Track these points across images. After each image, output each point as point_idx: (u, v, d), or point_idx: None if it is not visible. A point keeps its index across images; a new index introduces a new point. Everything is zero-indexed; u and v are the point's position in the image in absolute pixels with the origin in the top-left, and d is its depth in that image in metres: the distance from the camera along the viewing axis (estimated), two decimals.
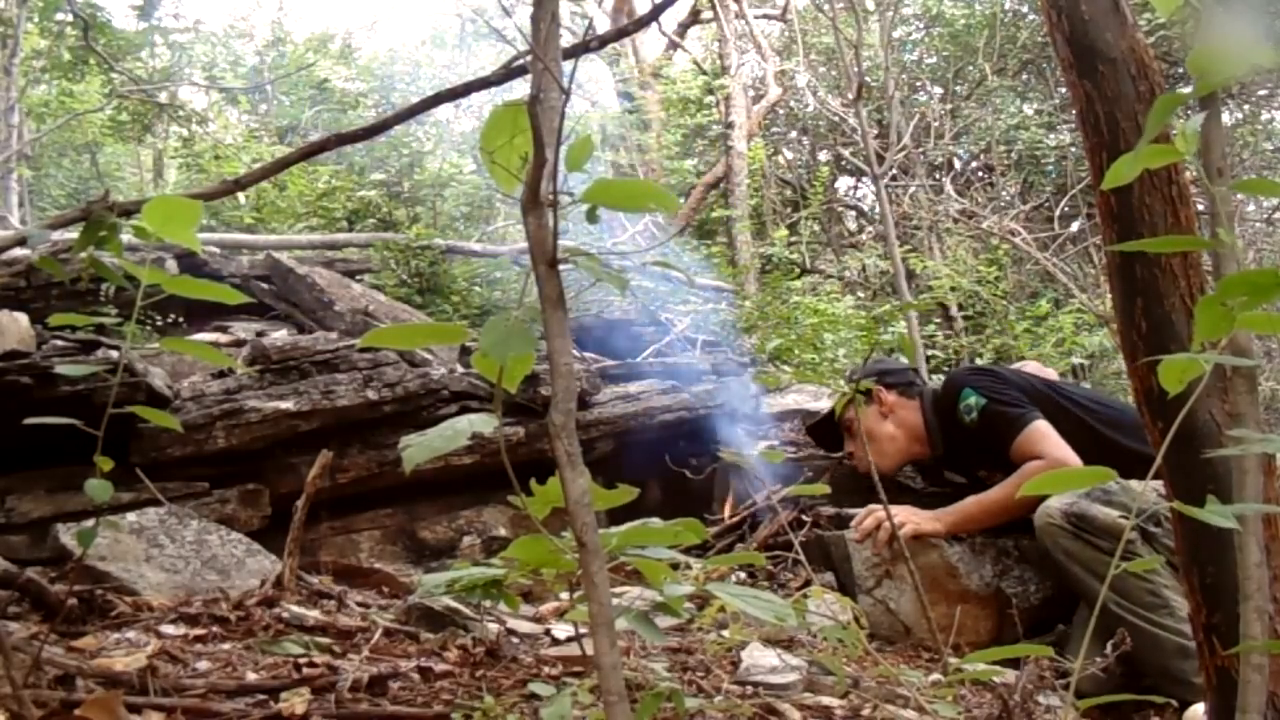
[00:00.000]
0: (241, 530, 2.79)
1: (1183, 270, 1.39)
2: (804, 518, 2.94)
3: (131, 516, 2.52)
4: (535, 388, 3.31)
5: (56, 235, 3.12)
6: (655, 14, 5.23)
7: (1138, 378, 1.43)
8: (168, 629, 1.89)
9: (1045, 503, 2.39)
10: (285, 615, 2.00)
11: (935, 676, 2.11)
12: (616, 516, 2.35)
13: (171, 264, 4.68)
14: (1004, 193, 9.80)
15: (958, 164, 10.38)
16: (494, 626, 2.12)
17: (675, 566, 1.98)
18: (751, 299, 6.73)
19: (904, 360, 3.33)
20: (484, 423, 1.14)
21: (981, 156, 10.22)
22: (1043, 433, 2.61)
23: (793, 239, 9.23)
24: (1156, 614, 2.31)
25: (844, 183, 11.18)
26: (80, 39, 8.08)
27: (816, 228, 9.83)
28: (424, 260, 6.24)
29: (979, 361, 6.85)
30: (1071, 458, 2.55)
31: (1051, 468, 2.52)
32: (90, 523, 1.52)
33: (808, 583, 2.54)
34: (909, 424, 2.88)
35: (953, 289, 7.65)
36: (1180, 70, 7.92)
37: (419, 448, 1.12)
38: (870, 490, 2.86)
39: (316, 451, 2.36)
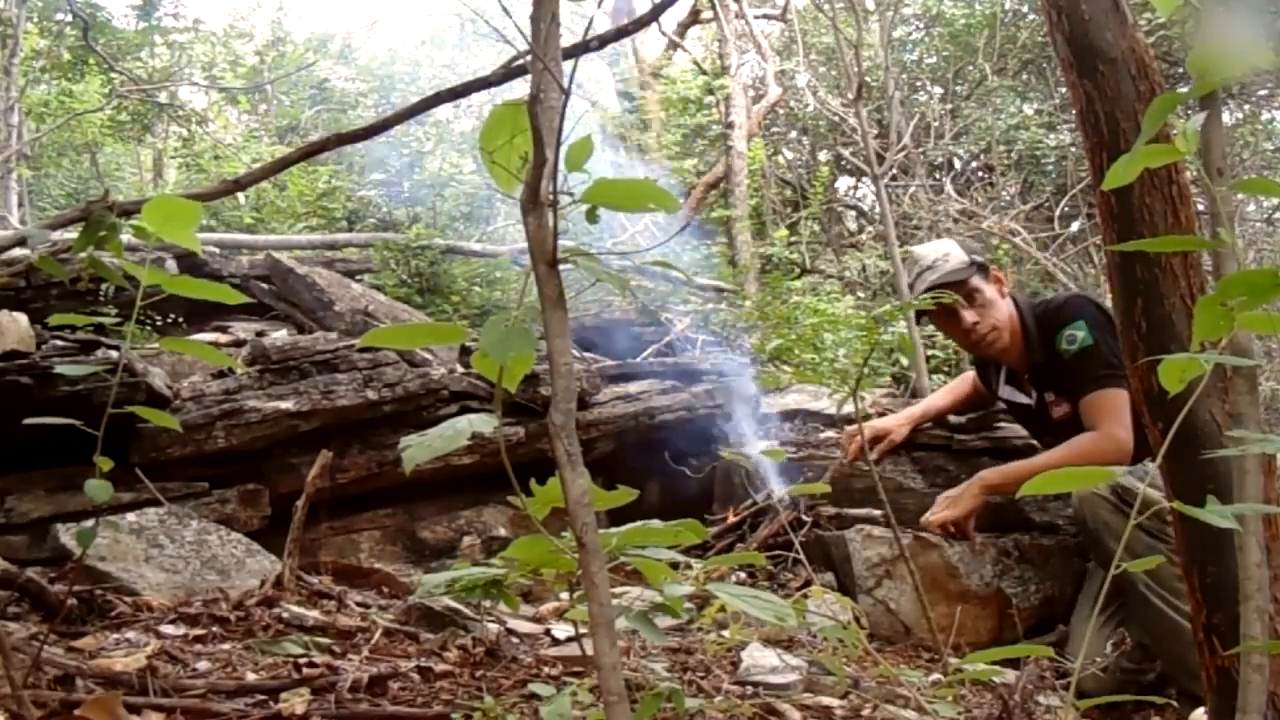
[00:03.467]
0: (241, 530, 2.79)
1: (1183, 270, 1.39)
2: (804, 518, 2.94)
3: (131, 516, 2.52)
4: (535, 388, 3.31)
5: (56, 235, 3.12)
6: (655, 14, 5.23)
7: (1138, 378, 1.43)
8: (168, 629, 1.90)
9: None
10: (285, 615, 2.00)
11: (935, 676, 2.11)
12: (616, 517, 2.35)
13: (171, 264, 4.68)
14: (1004, 193, 9.80)
15: (958, 164, 10.37)
16: (494, 626, 2.13)
17: (675, 566, 1.98)
18: (752, 299, 6.73)
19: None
20: (484, 423, 1.14)
21: (981, 156, 10.22)
22: (1117, 404, 2.53)
23: (793, 239, 9.22)
24: (1183, 601, 2.30)
25: (844, 183, 11.17)
26: (80, 39, 8.08)
27: (816, 228, 9.82)
28: (424, 260, 6.24)
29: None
30: (1126, 438, 2.51)
31: (1100, 444, 2.50)
32: (90, 523, 1.52)
33: (808, 583, 2.54)
34: (1011, 315, 2.79)
35: None
36: (1180, 70, 7.91)
37: (419, 448, 1.12)
38: (865, 491, 2.86)
39: (316, 451, 2.36)
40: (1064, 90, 7.51)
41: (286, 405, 3.07)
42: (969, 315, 2.74)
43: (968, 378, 3.24)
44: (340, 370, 3.23)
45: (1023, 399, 2.87)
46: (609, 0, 10.51)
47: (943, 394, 3.25)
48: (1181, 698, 2.22)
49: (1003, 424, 3.19)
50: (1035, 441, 3.05)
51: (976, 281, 2.74)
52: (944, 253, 2.78)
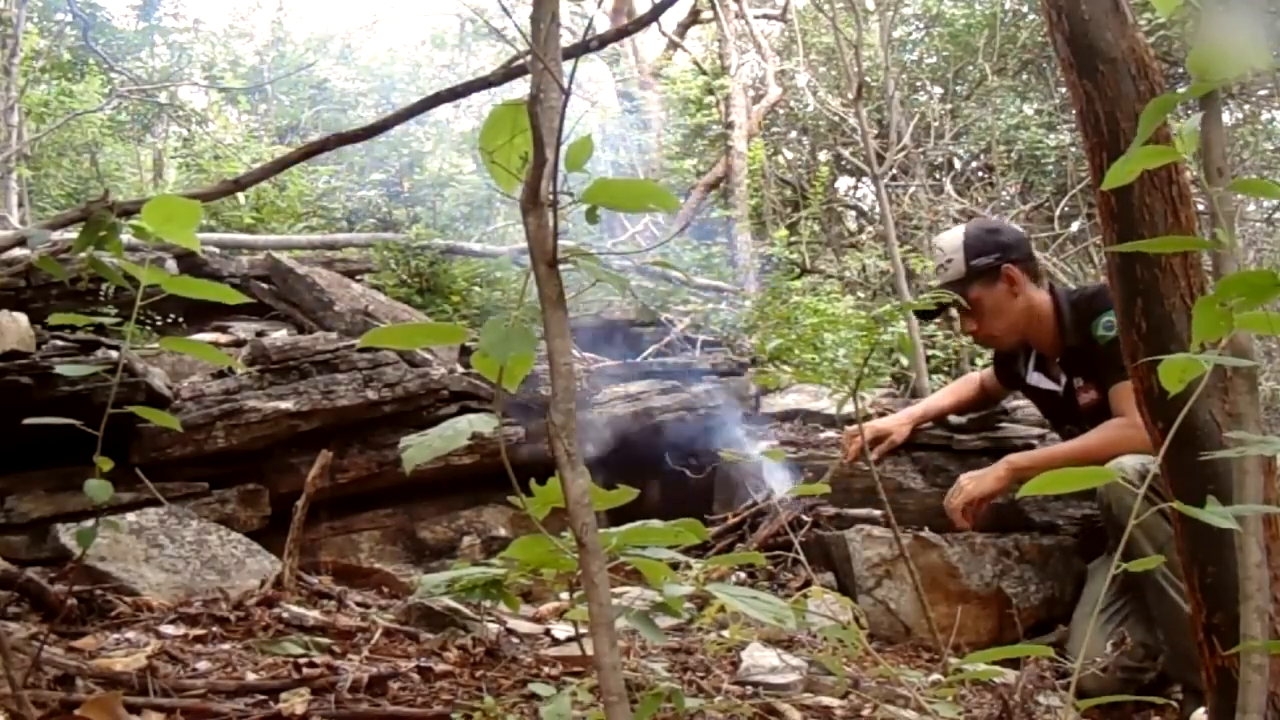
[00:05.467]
0: (241, 530, 2.79)
1: (1183, 270, 1.39)
2: (804, 518, 2.94)
3: (131, 516, 2.52)
4: (535, 388, 3.31)
5: (56, 235, 3.12)
6: (655, 14, 5.23)
7: (1138, 378, 1.43)
8: (168, 629, 1.90)
9: (1118, 459, 2.31)
10: (285, 615, 2.00)
11: (935, 676, 2.11)
12: (616, 516, 2.35)
13: (171, 264, 4.67)
14: (1004, 193, 9.80)
15: (958, 164, 10.38)
16: (494, 626, 2.13)
17: (675, 566, 1.98)
18: (752, 299, 6.73)
19: (1016, 230, 3.16)
20: (484, 423, 1.14)
21: (981, 156, 10.22)
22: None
23: (793, 239, 9.22)
24: None
25: (844, 183, 11.17)
26: (80, 39, 8.09)
27: (816, 228, 9.82)
28: (424, 260, 6.24)
29: (979, 363, 6.85)
30: (1143, 428, 2.49)
31: (1128, 431, 2.45)
32: (90, 523, 1.52)
33: (808, 583, 2.54)
34: (1034, 305, 2.77)
35: None
36: (1180, 70, 7.91)
37: (419, 448, 1.13)
38: (865, 491, 2.86)
39: (316, 451, 2.36)
40: (1064, 90, 7.51)
41: (286, 405, 3.07)
42: (967, 323, 2.80)
43: (972, 379, 3.23)
44: (340, 370, 3.23)
45: (1050, 385, 2.85)
46: (609, 0, 10.51)
47: (945, 394, 3.24)
48: (1186, 693, 2.22)
49: (1004, 424, 3.19)
50: (1044, 435, 3.05)
51: (976, 292, 2.74)
52: (948, 258, 2.78)
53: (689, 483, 3.50)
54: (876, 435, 3.02)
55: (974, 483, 2.67)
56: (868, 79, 7.62)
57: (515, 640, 2.10)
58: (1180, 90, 1.07)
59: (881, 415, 3.36)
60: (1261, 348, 7.87)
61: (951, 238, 2.85)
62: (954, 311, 2.76)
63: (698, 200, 9.27)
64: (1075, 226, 9.41)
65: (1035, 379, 2.90)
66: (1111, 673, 2.31)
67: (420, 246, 6.24)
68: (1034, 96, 10.04)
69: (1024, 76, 10.03)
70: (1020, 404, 3.43)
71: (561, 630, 2.19)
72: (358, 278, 6.11)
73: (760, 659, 1.97)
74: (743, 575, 2.79)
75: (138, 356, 3.17)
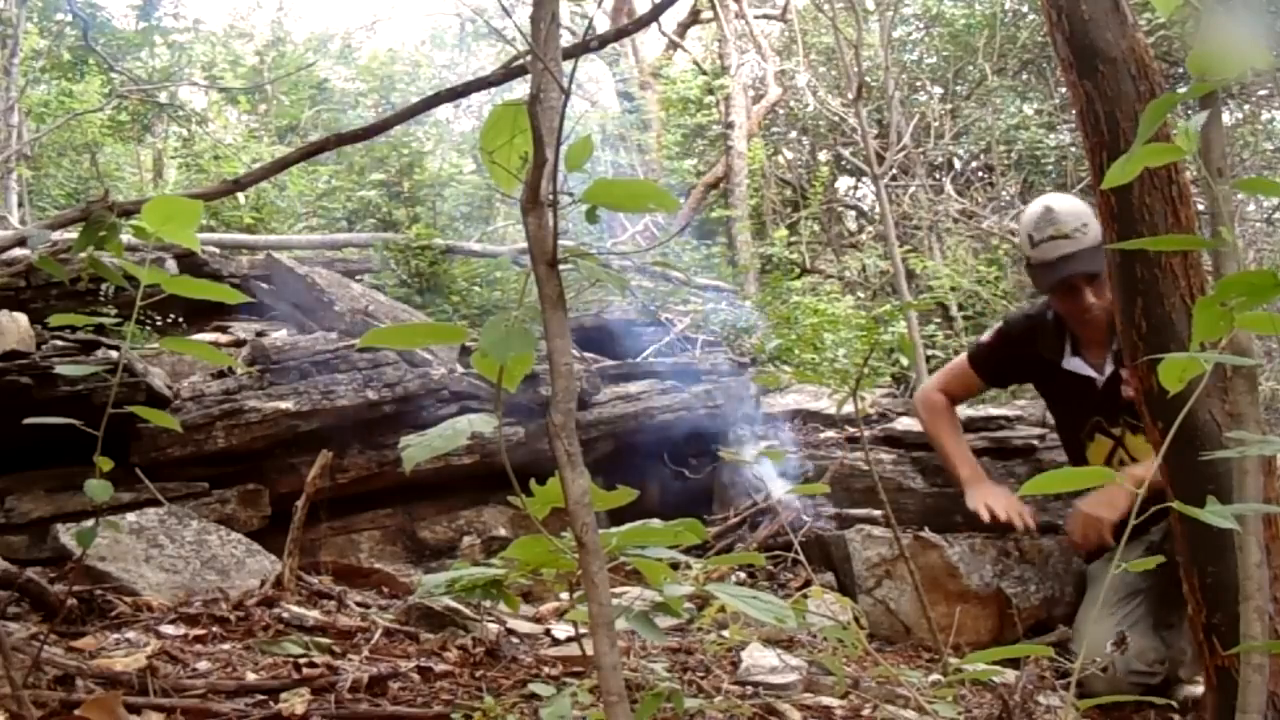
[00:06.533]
0: (241, 530, 2.79)
1: (1183, 270, 1.39)
2: (805, 517, 2.94)
3: (131, 517, 2.52)
4: (535, 388, 3.31)
5: (56, 235, 3.12)
6: (655, 14, 5.23)
7: (1138, 378, 1.43)
8: (168, 629, 1.90)
9: None
10: (285, 615, 2.00)
11: (935, 676, 2.11)
12: (616, 516, 2.35)
13: (171, 264, 4.67)
14: (1004, 193, 9.79)
15: (958, 164, 10.37)
16: (494, 626, 2.13)
17: (675, 566, 1.98)
18: (752, 299, 6.73)
19: None
20: (484, 423, 1.14)
21: (981, 156, 10.21)
22: None
23: (793, 239, 9.22)
24: None
25: (844, 183, 11.17)
26: (80, 39, 8.08)
27: (816, 228, 9.82)
28: (424, 260, 6.24)
29: None
30: None
31: None
32: (90, 523, 1.52)
33: (808, 583, 2.54)
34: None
35: (953, 289, 7.64)
36: (1180, 70, 7.91)
37: (419, 447, 1.13)
38: (865, 491, 2.86)
39: (316, 451, 2.36)
40: (1064, 90, 7.50)
41: (286, 405, 3.07)
42: (1090, 296, 2.63)
43: (937, 404, 2.97)
44: (340, 370, 3.23)
45: (1089, 373, 2.75)
46: (609, 0, 10.51)
47: (954, 432, 2.94)
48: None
49: (1004, 424, 3.19)
50: (1044, 435, 3.03)
51: (1105, 259, 2.63)
52: (1083, 221, 2.59)
53: (689, 483, 3.50)
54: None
55: (1105, 509, 2.52)
56: (868, 79, 7.61)
57: (515, 640, 2.10)
58: (1180, 90, 1.07)
59: (882, 415, 3.36)
60: (1261, 348, 7.86)
61: (1074, 203, 2.69)
62: (1085, 289, 2.63)
63: (698, 200, 9.27)
64: None
65: (1074, 364, 2.78)
66: (1122, 677, 2.31)
67: (420, 246, 6.24)
68: (1034, 96, 10.03)
69: (1024, 76, 10.02)
70: (1019, 412, 3.42)
71: (561, 630, 2.19)
72: (358, 278, 6.10)
73: (760, 659, 1.97)
74: (743, 575, 2.79)
75: (138, 356, 3.16)
